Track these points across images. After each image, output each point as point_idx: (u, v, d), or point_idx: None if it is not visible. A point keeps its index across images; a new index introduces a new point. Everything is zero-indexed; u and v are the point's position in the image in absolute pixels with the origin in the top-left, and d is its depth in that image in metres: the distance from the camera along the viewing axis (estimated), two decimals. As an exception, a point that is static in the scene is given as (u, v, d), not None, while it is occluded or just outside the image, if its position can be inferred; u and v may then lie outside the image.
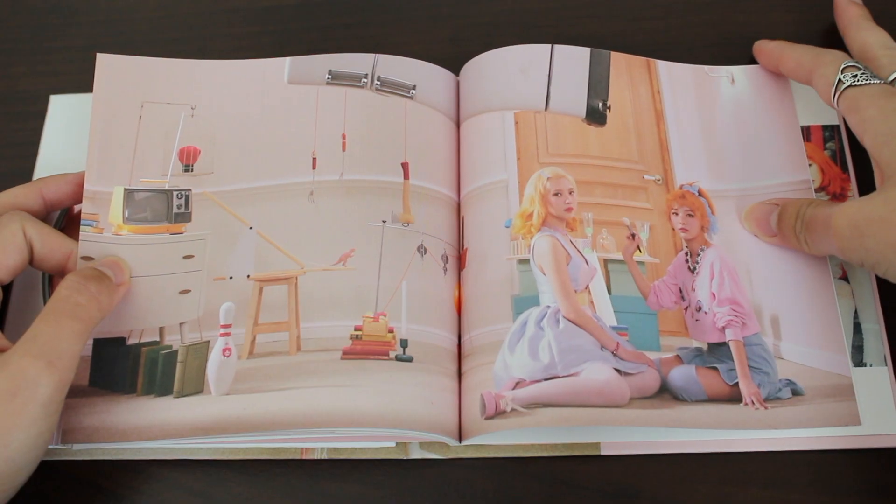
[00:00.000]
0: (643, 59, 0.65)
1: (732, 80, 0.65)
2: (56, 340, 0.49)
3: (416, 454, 0.55)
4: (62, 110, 0.68)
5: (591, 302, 0.58)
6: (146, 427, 0.53)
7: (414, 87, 0.63)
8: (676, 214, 0.61)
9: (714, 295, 0.58)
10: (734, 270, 0.58)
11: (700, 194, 0.61)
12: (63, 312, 0.51)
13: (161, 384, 0.55)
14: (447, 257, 0.60)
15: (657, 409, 0.54)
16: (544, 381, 0.55)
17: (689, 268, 0.59)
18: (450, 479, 0.54)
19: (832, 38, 0.68)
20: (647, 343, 0.57)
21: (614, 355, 0.56)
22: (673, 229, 0.61)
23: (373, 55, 0.64)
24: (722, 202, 0.61)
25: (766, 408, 0.54)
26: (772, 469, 0.54)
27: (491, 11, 0.72)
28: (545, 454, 0.55)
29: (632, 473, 0.54)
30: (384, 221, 0.59)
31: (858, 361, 0.56)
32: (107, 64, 0.62)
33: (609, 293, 0.59)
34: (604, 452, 0.54)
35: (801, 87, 0.63)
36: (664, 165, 0.62)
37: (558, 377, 0.55)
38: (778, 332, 0.57)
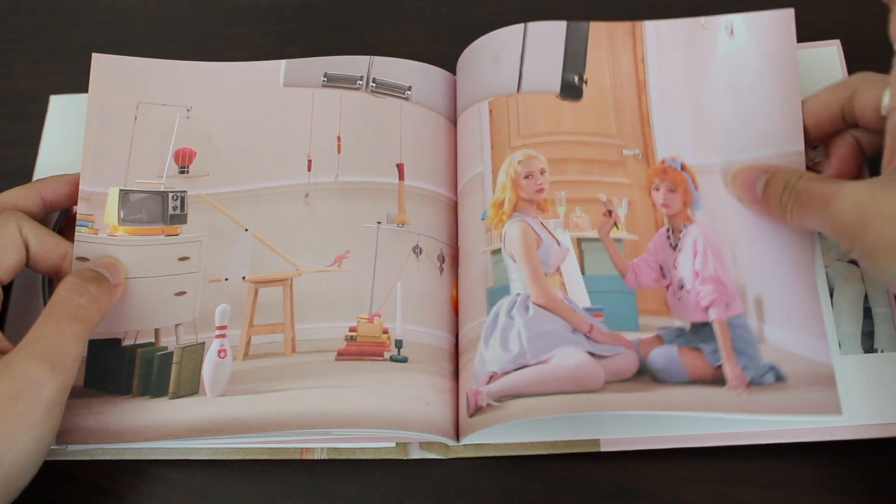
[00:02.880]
0: (628, 24, 0.62)
1: (731, 32, 0.60)
2: (59, 342, 0.49)
3: (416, 454, 0.55)
4: (62, 110, 0.68)
5: (563, 284, 0.57)
6: (142, 428, 0.54)
7: (409, 88, 0.63)
8: (657, 190, 0.58)
9: (697, 273, 0.56)
10: (718, 248, 0.56)
11: (683, 169, 0.58)
12: (64, 314, 0.51)
13: (156, 385, 0.56)
14: (444, 257, 0.60)
15: (635, 392, 0.52)
16: (514, 371, 0.54)
17: (670, 244, 0.57)
18: (450, 479, 0.54)
19: (831, 34, 0.67)
20: (625, 323, 0.55)
21: (587, 338, 0.54)
22: (654, 205, 0.58)
23: (368, 57, 0.64)
24: (706, 177, 0.58)
25: (749, 392, 0.52)
26: (772, 468, 0.53)
27: (491, 11, 0.72)
28: (545, 452, 0.54)
29: (632, 472, 0.54)
30: (379, 223, 0.60)
31: (869, 348, 0.54)
32: (102, 64, 0.62)
33: (583, 273, 0.57)
34: (603, 449, 0.53)
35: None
36: (644, 139, 0.60)
37: (528, 366, 0.54)
38: (762, 315, 0.55)
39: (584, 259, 0.58)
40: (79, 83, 0.69)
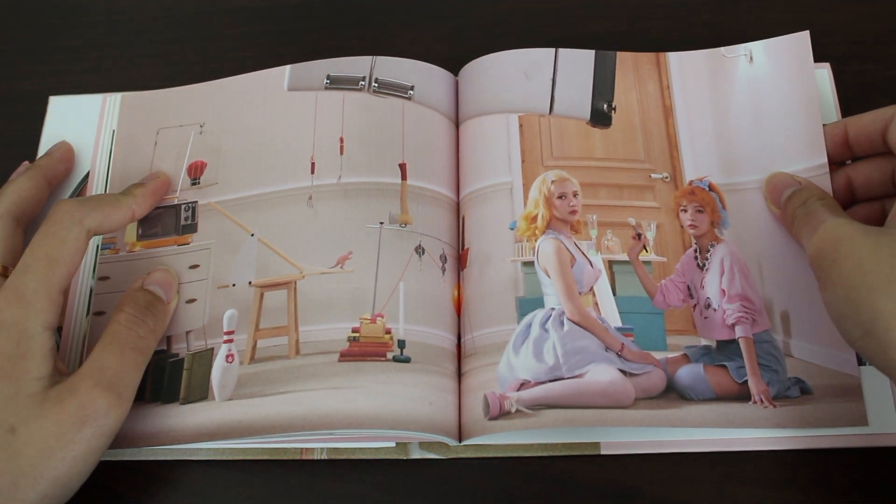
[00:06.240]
0: (652, 54, 0.64)
1: (751, 59, 0.63)
2: (123, 372, 0.50)
3: (416, 454, 0.55)
4: (61, 111, 0.68)
5: (596, 304, 0.59)
6: (153, 434, 0.55)
7: (412, 88, 0.63)
8: (685, 211, 0.60)
9: (724, 291, 0.57)
10: (745, 266, 0.58)
11: (711, 189, 0.60)
12: (127, 344, 0.51)
13: (168, 391, 0.57)
14: (446, 257, 0.60)
15: (663, 410, 0.54)
16: (549, 382, 0.55)
17: (698, 264, 0.59)
18: (450, 479, 0.55)
19: (830, 39, 0.67)
20: (654, 343, 0.57)
21: (619, 356, 0.56)
22: (681, 227, 0.60)
23: (370, 57, 0.64)
24: (734, 196, 0.60)
25: (774, 406, 0.53)
26: (772, 469, 0.53)
27: (491, 11, 0.72)
28: (545, 454, 0.54)
29: (632, 473, 0.54)
30: (381, 223, 0.60)
31: (859, 362, 0.55)
32: (129, 102, 0.66)
33: (614, 294, 0.59)
34: (603, 452, 0.54)
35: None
36: (672, 163, 0.62)
37: (563, 378, 0.55)
38: (788, 330, 0.56)
39: (616, 281, 0.59)
40: (78, 83, 0.71)
